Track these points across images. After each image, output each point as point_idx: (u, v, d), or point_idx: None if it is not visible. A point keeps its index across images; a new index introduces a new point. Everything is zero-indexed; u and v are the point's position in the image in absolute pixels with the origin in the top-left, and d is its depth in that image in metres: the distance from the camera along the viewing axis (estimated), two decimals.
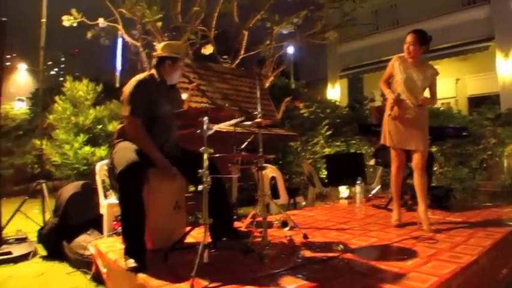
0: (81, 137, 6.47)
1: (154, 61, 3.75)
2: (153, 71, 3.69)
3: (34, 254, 4.56)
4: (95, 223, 4.66)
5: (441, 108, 10.08)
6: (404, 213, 4.78)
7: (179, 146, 3.82)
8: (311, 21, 8.62)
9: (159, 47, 3.79)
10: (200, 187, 3.02)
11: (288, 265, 2.97)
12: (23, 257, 4.41)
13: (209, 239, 3.08)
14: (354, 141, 9.06)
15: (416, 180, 4.27)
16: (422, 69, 4.29)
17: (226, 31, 9.76)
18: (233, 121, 3.95)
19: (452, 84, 15.12)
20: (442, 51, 13.33)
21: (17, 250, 4.46)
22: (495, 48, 12.48)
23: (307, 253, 3.34)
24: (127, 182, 3.10)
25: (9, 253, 4.37)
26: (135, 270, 2.84)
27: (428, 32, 4.28)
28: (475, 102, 13.49)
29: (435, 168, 7.90)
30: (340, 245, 3.54)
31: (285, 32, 8.37)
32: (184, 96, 4.12)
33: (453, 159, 8.15)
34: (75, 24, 6.86)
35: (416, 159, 4.25)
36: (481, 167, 8.00)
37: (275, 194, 5.73)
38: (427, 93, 4.44)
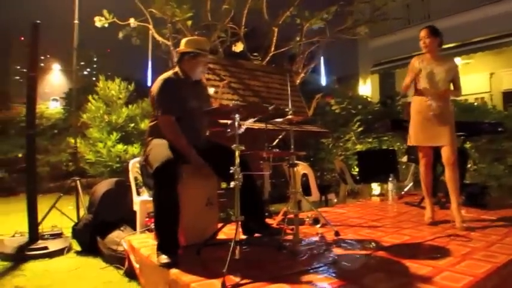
0: (114, 135, 6.57)
1: (176, 57, 3.80)
2: (177, 69, 3.73)
3: (69, 249, 4.67)
4: (128, 220, 4.73)
5: (475, 104, 9.87)
6: (437, 211, 4.71)
7: (211, 142, 3.84)
8: (341, 17, 8.54)
9: (181, 43, 3.83)
10: (232, 184, 3.04)
11: (319, 262, 2.96)
12: (58, 252, 4.51)
13: (241, 236, 3.10)
14: (386, 138, 8.95)
15: (448, 176, 4.22)
16: (442, 63, 4.33)
17: (256, 28, 9.74)
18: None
19: (487, 79, 14.77)
20: (475, 44, 13.05)
21: (53, 245, 4.57)
22: None
23: (339, 250, 3.31)
24: (163, 178, 3.14)
25: (45, 248, 4.48)
26: (167, 266, 2.87)
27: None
28: (511, 97, 13.17)
29: (469, 165, 7.75)
30: (372, 243, 3.51)
31: (315, 27, 8.32)
32: (211, 91, 4.14)
33: (488, 155, 7.98)
34: (106, 25, 6.96)
35: (446, 154, 4.20)
36: None
37: (306, 191, 5.72)
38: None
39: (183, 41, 3.82)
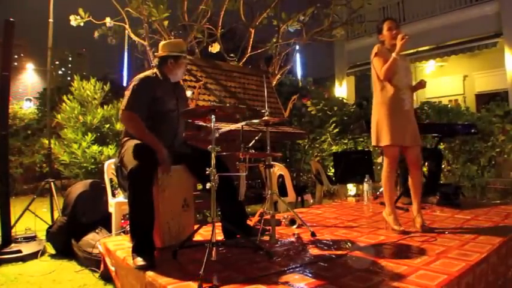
0: (89, 136, 6.50)
1: (156, 61, 3.78)
2: (156, 70, 3.72)
3: (43, 252, 4.60)
4: (104, 222, 4.69)
5: (449, 105, 10.02)
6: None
7: (188, 144, 3.84)
8: (318, 19, 8.59)
9: (159, 46, 3.82)
10: (208, 185, 3.03)
11: (296, 263, 2.97)
12: (32, 256, 4.45)
13: (217, 237, 3.09)
14: (361, 139, 9.03)
15: (417, 178, 4.10)
16: (402, 58, 4.06)
17: (233, 29, 9.74)
18: (243, 123, 3.95)
19: (460, 81, 15.04)
20: (449, 47, 13.26)
21: (26, 248, 4.50)
22: (503, 44, 12.37)
23: (315, 251, 3.33)
24: (137, 180, 3.12)
25: (19, 251, 4.40)
26: (143, 268, 2.85)
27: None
28: (483, 99, 13.41)
29: (443, 166, 7.86)
30: (348, 243, 3.54)
31: (291, 29, 8.36)
32: (188, 93, 4.13)
33: (462, 156, 8.12)
34: (82, 24, 6.88)
35: (416, 155, 4.07)
36: (490, 164, 7.96)
37: (283, 192, 5.73)
38: None
39: (162, 44, 3.81)
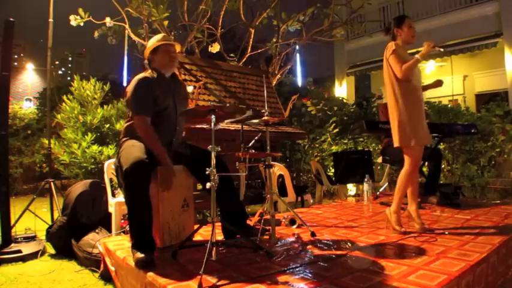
0: (89, 136, 6.50)
1: (146, 65, 3.78)
2: (150, 71, 3.72)
3: (43, 252, 4.59)
4: (104, 221, 4.69)
5: (449, 105, 10.01)
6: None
7: (188, 144, 3.84)
8: (318, 19, 8.59)
9: (146, 50, 3.80)
10: (208, 185, 3.03)
11: (296, 263, 2.97)
12: (32, 256, 4.43)
13: (217, 237, 3.09)
14: (361, 139, 9.03)
15: (417, 178, 4.09)
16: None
17: (233, 29, 9.74)
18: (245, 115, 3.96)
19: (460, 81, 15.04)
20: (449, 47, 13.26)
21: (26, 248, 4.49)
22: (503, 44, 12.37)
23: (315, 251, 3.33)
24: (133, 180, 3.12)
25: (19, 251, 4.39)
26: (143, 263, 2.87)
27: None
28: (483, 99, 13.42)
29: (443, 166, 7.86)
30: (348, 243, 3.54)
31: (291, 29, 8.36)
32: (189, 89, 4.12)
33: (461, 156, 8.11)
34: (82, 24, 6.88)
35: (422, 155, 4.04)
36: (490, 164, 7.95)
37: (283, 192, 5.73)
38: None
39: (147, 47, 3.79)
